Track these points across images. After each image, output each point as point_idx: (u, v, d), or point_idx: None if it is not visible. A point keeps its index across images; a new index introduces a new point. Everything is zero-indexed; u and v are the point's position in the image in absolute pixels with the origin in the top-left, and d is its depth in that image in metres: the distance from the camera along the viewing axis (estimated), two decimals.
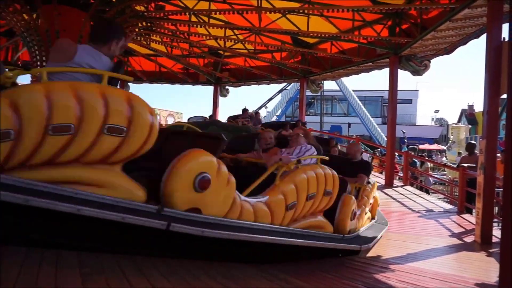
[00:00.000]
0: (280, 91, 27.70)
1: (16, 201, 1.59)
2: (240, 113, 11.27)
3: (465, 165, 7.46)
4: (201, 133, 3.55)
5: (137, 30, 8.65)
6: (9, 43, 11.23)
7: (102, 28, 2.33)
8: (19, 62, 12.32)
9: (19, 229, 1.80)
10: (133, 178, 2.02)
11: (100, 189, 1.87)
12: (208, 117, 11.36)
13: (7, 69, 1.87)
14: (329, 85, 25.61)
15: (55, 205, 1.67)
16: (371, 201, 4.66)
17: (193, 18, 9.03)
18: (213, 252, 2.46)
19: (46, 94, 1.71)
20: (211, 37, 10.07)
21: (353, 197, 3.73)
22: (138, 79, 13.84)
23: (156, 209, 1.99)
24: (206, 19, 9.32)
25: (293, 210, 2.91)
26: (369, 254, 4.05)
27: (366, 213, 4.42)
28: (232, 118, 10.59)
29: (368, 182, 4.57)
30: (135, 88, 22.23)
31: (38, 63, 6.95)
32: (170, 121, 18.27)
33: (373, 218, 4.96)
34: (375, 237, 4.08)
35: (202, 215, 2.20)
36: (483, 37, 5.82)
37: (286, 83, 22.95)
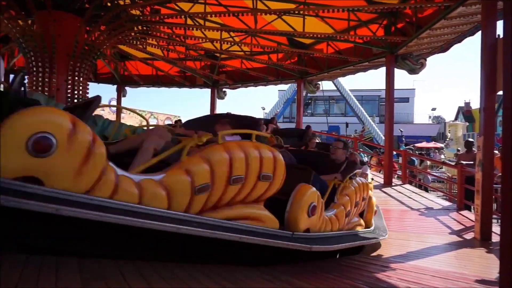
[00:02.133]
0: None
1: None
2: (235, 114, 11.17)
3: (463, 162, 7.48)
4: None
5: (133, 34, 8.65)
6: (4, 49, 11.21)
7: None
8: (15, 68, 12.31)
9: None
10: None
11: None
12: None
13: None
14: (326, 85, 25.63)
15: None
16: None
17: (189, 21, 9.04)
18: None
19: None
20: (207, 40, 10.08)
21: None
22: (135, 83, 13.83)
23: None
24: (202, 22, 9.33)
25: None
26: (370, 254, 4.06)
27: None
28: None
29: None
30: (132, 93, 22.20)
31: (34, 69, 6.95)
32: (167, 123, 18.24)
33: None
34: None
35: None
36: (478, 34, 5.85)
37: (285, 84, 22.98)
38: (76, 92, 7.18)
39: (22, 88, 2.19)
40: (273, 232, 2.65)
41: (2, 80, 1.91)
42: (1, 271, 1.63)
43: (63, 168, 1.72)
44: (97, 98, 2.32)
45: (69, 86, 7.05)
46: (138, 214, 1.92)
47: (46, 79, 6.84)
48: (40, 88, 6.87)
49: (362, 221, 4.32)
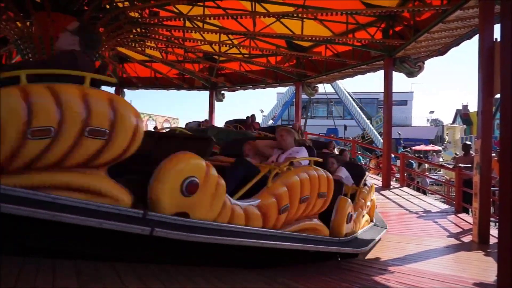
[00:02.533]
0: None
1: None
2: (237, 117, 11.25)
3: (461, 165, 7.49)
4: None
5: (131, 36, 8.65)
6: (3, 50, 11.18)
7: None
8: None
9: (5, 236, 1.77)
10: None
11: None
12: (202, 122, 11.28)
13: None
14: (325, 88, 25.68)
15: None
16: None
17: (188, 24, 9.04)
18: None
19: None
20: (206, 42, 10.09)
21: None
22: (134, 85, 13.82)
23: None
24: (200, 24, 9.34)
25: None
26: (368, 256, 4.05)
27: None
28: (230, 123, 10.48)
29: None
30: (130, 94, 22.21)
31: None
32: (166, 126, 18.22)
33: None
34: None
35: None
36: (476, 38, 5.88)
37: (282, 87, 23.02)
38: None
39: None
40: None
41: None
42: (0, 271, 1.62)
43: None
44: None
45: None
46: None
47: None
48: None
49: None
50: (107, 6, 7.34)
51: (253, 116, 11.45)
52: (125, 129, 1.90)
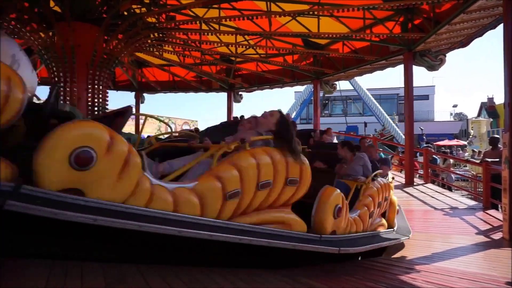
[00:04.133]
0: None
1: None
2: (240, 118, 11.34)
3: (489, 159, 7.24)
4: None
5: (149, 41, 8.80)
6: None
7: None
8: (37, 80, 12.69)
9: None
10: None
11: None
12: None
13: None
14: (343, 85, 25.41)
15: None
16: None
17: (204, 26, 9.12)
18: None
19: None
20: (223, 44, 10.14)
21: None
22: (153, 90, 14.05)
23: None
24: (216, 26, 9.40)
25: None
26: (393, 255, 3.97)
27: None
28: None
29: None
30: (150, 98, 22.61)
31: (56, 79, 7.15)
32: (185, 128, 18.45)
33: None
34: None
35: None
36: (500, 27, 5.66)
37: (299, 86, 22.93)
38: (96, 100, 7.35)
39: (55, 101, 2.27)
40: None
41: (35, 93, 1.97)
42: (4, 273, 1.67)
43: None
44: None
45: (89, 95, 7.22)
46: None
47: (68, 89, 7.02)
48: (62, 98, 7.07)
49: (384, 221, 4.27)
50: (125, 13, 7.49)
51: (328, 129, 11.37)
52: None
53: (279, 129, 2.76)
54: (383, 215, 4.30)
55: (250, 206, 2.49)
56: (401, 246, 4.33)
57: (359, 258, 3.64)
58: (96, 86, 7.31)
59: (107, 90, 7.93)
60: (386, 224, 4.29)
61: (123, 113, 2.37)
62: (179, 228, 2.00)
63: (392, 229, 4.31)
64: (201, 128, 11.79)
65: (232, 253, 2.50)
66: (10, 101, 1.65)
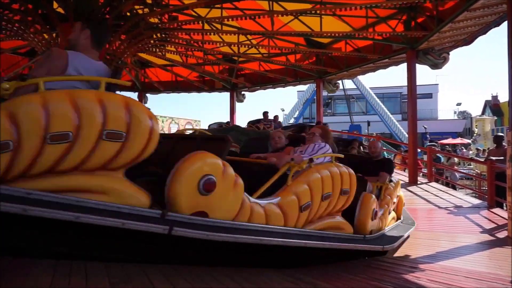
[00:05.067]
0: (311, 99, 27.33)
1: (13, 210, 1.58)
2: (258, 117, 11.33)
3: (493, 158, 7.20)
4: (208, 136, 3.55)
5: (152, 41, 8.81)
6: (31, 62, 11.66)
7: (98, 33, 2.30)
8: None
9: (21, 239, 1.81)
10: (139, 184, 1.97)
11: (103, 196, 1.83)
12: (225, 123, 11.45)
13: (5, 81, 1.89)
14: (346, 84, 25.37)
15: (55, 213, 1.65)
16: (395, 200, 4.47)
17: (206, 26, 9.12)
18: (225, 257, 2.45)
19: (43, 103, 1.71)
20: (225, 44, 10.15)
21: (373, 196, 3.57)
22: (156, 90, 14.08)
23: (160, 213, 1.93)
24: (219, 26, 9.41)
25: (308, 211, 2.77)
26: (397, 254, 3.95)
27: (390, 213, 4.25)
28: (252, 123, 10.61)
29: (391, 181, 4.39)
30: (153, 99, 22.68)
31: None
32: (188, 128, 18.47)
33: (398, 218, 4.78)
34: (400, 237, 3.95)
35: (207, 218, 2.11)
36: (504, 24, 5.63)
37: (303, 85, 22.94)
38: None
39: None
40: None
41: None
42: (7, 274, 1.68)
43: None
44: (229, 139, 2.60)
45: None
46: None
47: None
48: None
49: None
50: (128, 14, 7.51)
51: (276, 116, 11.61)
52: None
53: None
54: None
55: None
56: (405, 243, 4.32)
57: (366, 257, 3.63)
58: None
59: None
60: (348, 228, 3.65)
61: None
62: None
63: (400, 220, 4.73)
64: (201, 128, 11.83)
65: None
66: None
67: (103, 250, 2.01)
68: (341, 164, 3.17)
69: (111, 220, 1.77)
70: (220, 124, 10.83)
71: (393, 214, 4.50)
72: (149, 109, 2.04)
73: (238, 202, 2.27)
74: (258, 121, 10.77)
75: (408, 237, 4.35)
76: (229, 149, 2.67)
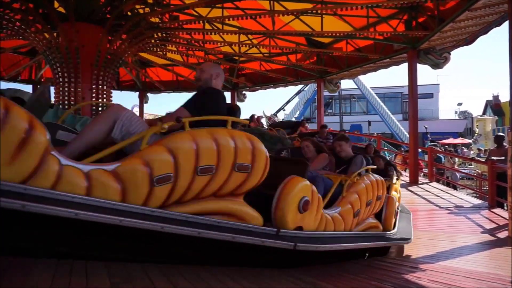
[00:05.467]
0: (297, 93, 27.59)
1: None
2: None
3: (494, 158, 7.20)
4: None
5: (153, 41, 8.82)
6: (32, 62, 11.69)
7: None
8: (42, 80, 12.80)
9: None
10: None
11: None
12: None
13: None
14: (346, 84, 25.41)
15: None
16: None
17: (207, 26, 9.13)
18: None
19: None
20: (226, 44, 10.16)
21: (306, 181, 2.77)
22: (157, 89, 14.09)
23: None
24: (220, 26, 9.41)
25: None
26: (397, 254, 3.95)
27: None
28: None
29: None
30: (154, 98, 22.71)
31: (61, 79, 7.19)
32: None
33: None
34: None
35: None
36: (506, 24, 5.61)
37: (303, 85, 22.92)
38: (100, 100, 7.38)
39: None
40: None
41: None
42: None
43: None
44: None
45: (94, 95, 7.25)
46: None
47: (72, 89, 7.07)
48: (66, 98, 7.11)
49: (377, 223, 3.75)
50: (129, 13, 7.52)
51: (302, 121, 11.72)
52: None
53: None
54: (380, 214, 3.86)
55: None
56: (401, 247, 4.31)
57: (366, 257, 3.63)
58: (100, 86, 7.35)
59: (111, 90, 7.96)
60: (380, 226, 3.76)
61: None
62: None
63: (389, 232, 3.86)
64: None
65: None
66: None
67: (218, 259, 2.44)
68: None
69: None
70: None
71: (374, 223, 3.73)
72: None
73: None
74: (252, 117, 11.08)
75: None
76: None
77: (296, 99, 29.87)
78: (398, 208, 4.29)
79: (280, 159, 3.43)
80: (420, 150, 10.72)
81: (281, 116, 26.14)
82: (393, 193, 4.19)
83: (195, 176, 2.06)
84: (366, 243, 3.45)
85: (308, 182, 2.66)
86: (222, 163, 2.15)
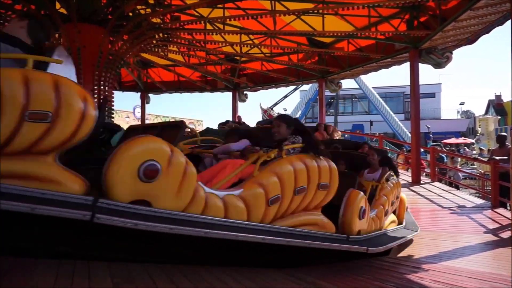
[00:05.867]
0: (295, 89, 27.39)
1: None
2: (259, 116, 11.44)
3: (497, 157, 7.17)
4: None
5: (154, 42, 8.83)
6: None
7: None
8: None
9: None
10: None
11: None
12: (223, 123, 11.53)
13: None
14: (348, 83, 25.39)
15: None
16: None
17: (209, 26, 9.13)
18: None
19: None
20: (227, 44, 10.15)
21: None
22: (158, 90, 14.10)
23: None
24: (221, 26, 9.41)
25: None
26: (400, 254, 3.95)
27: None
28: (223, 124, 10.70)
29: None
30: (156, 99, 22.75)
31: None
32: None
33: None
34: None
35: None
36: (508, 23, 5.60)
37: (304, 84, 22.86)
38: (102, 101, 7.39)
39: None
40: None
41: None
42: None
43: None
44: (183, 124, 2.51)
45: (95, 96, 7.27)
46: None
47: None
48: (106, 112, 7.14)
49: (395, 218, 4.45)
50: (130, 14, 7.52)
51: (320, 125, 11.55)
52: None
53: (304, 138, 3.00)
54: (394, 212, 4.49)
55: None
56: (408, 244, 4.30)
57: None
58: (102, 87, 7.36)
59: (113, 91, 7.97)
60: (397, 220, 4.46)
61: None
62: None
63: (402, 225, 4.55)
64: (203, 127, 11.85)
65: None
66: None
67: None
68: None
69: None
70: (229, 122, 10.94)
71: (393, 217, 4.33)
72: (86, 93, 1.84)
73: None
74: (227, 121, 10.99)
75: (409, 240, 4.33)
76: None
77: (298, 99, 29.81)
78: (387, 215, 4.20)
79: (162, 126, 2.74)
80: (422, 149, 10.70)
81: (279, 112, 26.05)
82: (382, 197, 3.94)
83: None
84: (403, 238, 4.07)
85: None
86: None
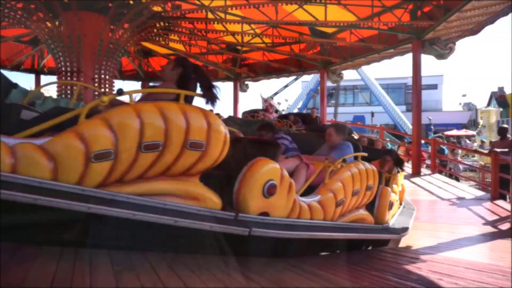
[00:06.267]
0: (296, 79, 27.20)
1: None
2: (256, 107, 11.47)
3: (497, 150, 7.17)
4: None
5: (155, 30, 8.76)
6: (35, 51, 11.65)
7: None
8: (45, 69, 12.77)
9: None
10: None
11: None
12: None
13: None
14: (350, 74, 25.23)
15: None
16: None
17: (210, 15, 9.06)
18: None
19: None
20: (229, 33, 10.08)
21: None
22: (159, 79, 14.04)
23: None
24: (222, 15, 9.33)
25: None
26: (399, 245, 3.97)
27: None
28: (248, 113, 10.66)
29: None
30: None
31: (63, 68, 7.17)
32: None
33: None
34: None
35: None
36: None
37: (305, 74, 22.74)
38: (102, 89, 7.38)
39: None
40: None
41: None
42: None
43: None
44: (280, 147, 2.90)
45: (96, 84, 7.25)
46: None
47: (74, 78, 7.06)
48: (69, 87, 7.11)
49: (368, 215, 3.52)
50: (131, 2, 7.46)
51: (313, 109, 11.67)
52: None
53: None
54: (371, 208, 3.63)
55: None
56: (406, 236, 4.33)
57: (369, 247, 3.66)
58: (102, 76, 7.33)
59: (113, 80, 7.95)
60: (370, 218, 3.53)
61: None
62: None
63: (380, 225, 3.62)
64: None
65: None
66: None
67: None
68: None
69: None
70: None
71: (364, 214, 3.93)
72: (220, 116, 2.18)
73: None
74: (255, 110, 10.94)
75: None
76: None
77: (299, 89, 29.68)
78: (397, 201, 4.28)
79: (251, 141, 2.90)
80: (423, 141, 10.69)
81: (281, 104, 25.96)
82: (393, 186, 4.01)
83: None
84: (345, 234, 3.11)
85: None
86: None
